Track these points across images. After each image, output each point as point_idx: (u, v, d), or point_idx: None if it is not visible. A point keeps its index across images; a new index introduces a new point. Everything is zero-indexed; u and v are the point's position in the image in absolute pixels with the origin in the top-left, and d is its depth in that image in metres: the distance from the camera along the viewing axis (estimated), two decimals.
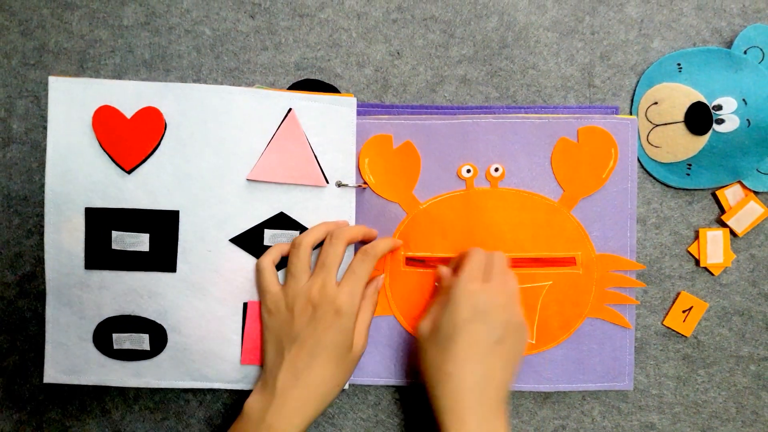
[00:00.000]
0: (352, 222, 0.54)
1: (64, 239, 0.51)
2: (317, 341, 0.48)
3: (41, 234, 0.56)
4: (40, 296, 0.56)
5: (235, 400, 0.57)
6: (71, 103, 0.50)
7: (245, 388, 0.53)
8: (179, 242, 0.51)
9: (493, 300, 0.47)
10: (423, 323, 0.49)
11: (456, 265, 0.53)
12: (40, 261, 0.56)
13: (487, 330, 0.46)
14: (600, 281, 0.54)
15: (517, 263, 0.54)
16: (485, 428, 0.44)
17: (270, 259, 0.51)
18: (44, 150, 0.56)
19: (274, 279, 0.51)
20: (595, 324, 0.54)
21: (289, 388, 0.47)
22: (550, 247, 0.54)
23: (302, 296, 0.49)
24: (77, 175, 0.51)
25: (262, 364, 0.51)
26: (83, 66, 0.57)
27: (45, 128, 0.56)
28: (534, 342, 0.55)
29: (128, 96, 0.50)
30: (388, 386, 0.56)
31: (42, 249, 0.53)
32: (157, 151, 0.51)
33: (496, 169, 0.55)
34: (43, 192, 0.54)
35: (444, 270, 0.52)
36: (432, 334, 0.48)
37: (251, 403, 0.48)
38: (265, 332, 0.51)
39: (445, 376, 0.46)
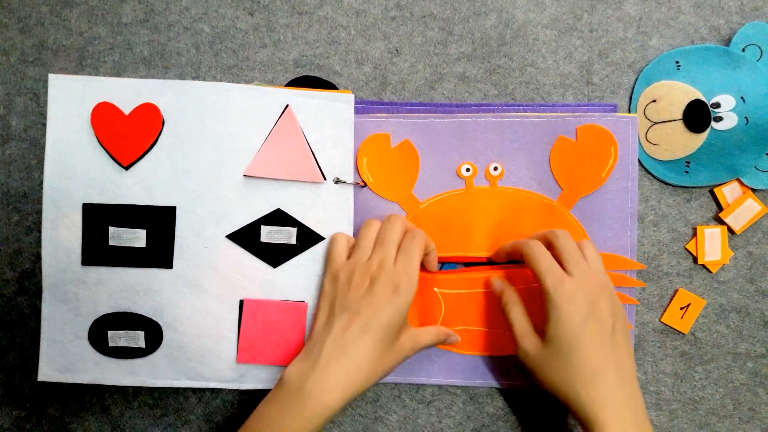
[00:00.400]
0: (350, 219, 0.54)
1: (61, 235, 0.51)
2: (371, 315, 0.47)
3: (40, 231, 0.56)
4: (40, 293, 0.55)
5: (234, 397, 0.57)
6: (70, 100, 0.51)
7: (241, 388, 0.54)
8: (176, 238, 0.51)
9: (591, 292, 0.46)
10: (526, 344, 0.49)
11: (507, 257, 0.53)
12: (39, 258, 0.56)
13: (601, 325, 0.46)
14: None
15: (516, 263, 0.54)
16: (638, 417, 0.45)
17: (346, 236, 0.53)
18: (43, 147, 0.56)
19: (344, 250, 0.52)
20: None
21: (333, 358, 0.46)
22: None
23: (363, 268, 0.49)
24: (75, 171, 0.51)
25: (311, 330, 0.50)
26: (82, 63, 0.57)
27: (44, 125, 0.56)
28: None
29: (127, 93, 0.51)
30: (386, 383, 0.56)
31: (41, 246, 0.53)
32: (154, 148, 0.51)
33: (495, 168, 0.55)
34: (42, 189, 0.55)
35: (498, 283, 0.53)
36: (546, 349, 0.47)
37: (291, 370, 0.47)
38: (321, 300, 0.51)
39: (586, 382, 0.45)
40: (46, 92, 0.56)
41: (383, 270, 0.48)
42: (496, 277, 0.54)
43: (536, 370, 0.48)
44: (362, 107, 0.55)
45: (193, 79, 0.56)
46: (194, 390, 0.57)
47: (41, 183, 0.56)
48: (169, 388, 0.57)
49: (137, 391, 0.57)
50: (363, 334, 0.47)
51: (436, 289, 0.55)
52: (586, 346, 0.45)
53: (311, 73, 0.56)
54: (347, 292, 0.48)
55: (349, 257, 0.51)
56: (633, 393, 0.46)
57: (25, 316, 0.57)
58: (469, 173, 0.55)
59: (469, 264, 0.55)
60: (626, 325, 0.48)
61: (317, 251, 0.53)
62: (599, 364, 0.45)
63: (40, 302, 0.55)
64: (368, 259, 0.49)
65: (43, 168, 0.56)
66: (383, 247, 0.49)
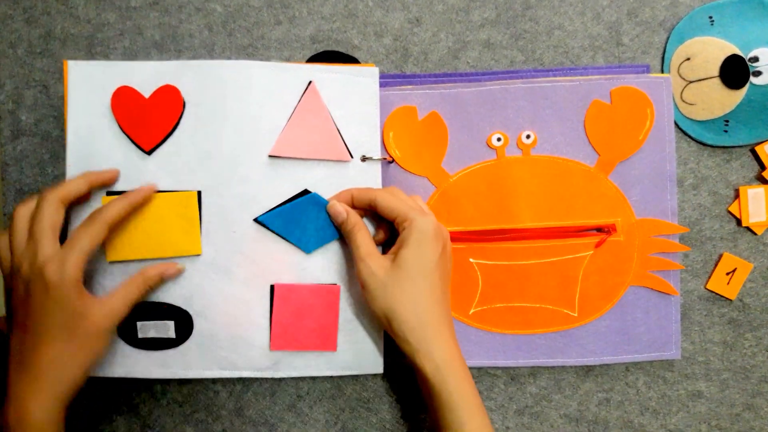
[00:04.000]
0: None
1: None
2: (35, 321, 0.43)
3: None
4: None
5: (266, 389, 0.55)
6: (90, 86, 0.49)
7: (276, 376, 0.51)
8: (203, 223, 0.49)
9: (444, 234, 0.48)
10: (373, 262, 0.47)
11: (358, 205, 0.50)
12: None
13: (447, 267, 0.48)
14: (642, 247, 0.52)
15: (555, 233, 0.52)
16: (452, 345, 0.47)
17: (28, 209, 0.46)
18: (56, 140, 0.54)
19: (5, 245, 0.46)
20: (639, 292, 0.52)
21: (17, 381, 0.43)
22: (588, 214, 0.52)
23: (16, 271, 0.44)
24: (97, 158, 0.49)
25: None
26: (92, 51, 0.55)
27: (55, 118, 0.55)
28: (576, 315, 0.52)
29: (146, 76, 0.49)
30: None
31: (67, 236, 0.51)
32: (176, 131, 0.49)
33: (528, 136, 0.52)
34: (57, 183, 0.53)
35: (338, 206, 0.49)
36: (393, 272, 0.46)
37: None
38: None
39: (424, 310, 0.46)
40: (56, 84, 0.55)
41: (33, 269, 0.42)
42: (336, 201, 0.50)
43: (376, 292, 0.47)
44: (385, 81, 0.53)
45: None
46: (224, 384, 0.55)
47: (55, 178, 0.55)
48: (199, 384, 0.55)
49: (165, 389, 0.55)
50: (39, 339, 0.43)
51: (471, 259, 0.52)
52: (435, 279, 0.46)
53: (329, 49, 0.54)
54: (13, 299, 0.44)
55: None
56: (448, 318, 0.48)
57: None
58: (501, 143, 0.53)
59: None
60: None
61: None
62: (438, 307, 0.47)
63: None
64: (20, 256, 0.44)
65: (56, 162, 0.54)
66: (32, 242, 0.43)
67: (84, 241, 0.43)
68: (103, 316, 0.45)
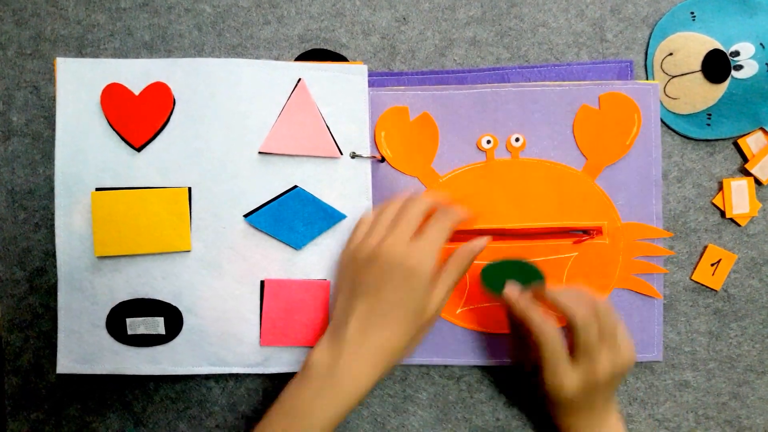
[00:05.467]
0: (368, 194, 0.52)
1: (75, 222, 0.50)
2: (386, 299, 0.45)
3: (48, 227, 0.54)
4: (51, 291, 0.54)
5: (259, 384, 0.55)
6: (80, 84, 0.49)
7: (266, 372, 0.52)
8: (192, 220, 0.50)
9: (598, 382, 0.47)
10: (569, 386, 0.47)
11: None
12: (49, 255, 0.55)
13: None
14: (626, 251, 0.53)
15: (541, 235, 0.53)
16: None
17: (369, 219, 0.51)
18: (47, 141, 0.55)
19: (366, 229, 0.50)
20: (623, 295, 0.53)
21: (359, 345, 0.45)
22: (574, 217, 0.53)
23: (376, 251, 0.46)
24: (87, 155, 0.49)
25: (333, 311, 0.49)
26: (82, 52, 0.55)
27: (46, 119, 0.55)
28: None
29: (136, 73, 0.49)
30: (411, 363, 0.55)
31: (50, 242, 0.51)
32: (166, 127, 0.49)
33: (517, 139, 0.53)
34: (49, 184, 0.53)
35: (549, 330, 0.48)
36: (578, 396, 0.48)
37: (317, 357, 0.46)
38: (339, 280, 0.49)
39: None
40: (46, 84, 0.55)
41: (395, 253, 0.45)
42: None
43: (565, 413, 0.50)
44: (373, 79, 0.53)
45: None
46: (217, 380, 0.55)
47: (46, 178, 0.55)
48: (191, 380, 0.55)
49: (158, 385, 0.55)
50: (385, 318, 0.45)
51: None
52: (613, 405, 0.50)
53: (317, 47, 0.55)
54: (363, 275, 0.46)
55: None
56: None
57: (37, 315, 0.55)
58: (490, 145, 0.53)
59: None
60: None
61: (338, 229, 0.51)
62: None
63: (53, 301, 0.54)
64: (382, 239, 0.47)
65: (48, 162, 0.55)
66: (398, 228, 0.47)
67: (439, 235, 0.47)
68: (435, 307, 0.47)
